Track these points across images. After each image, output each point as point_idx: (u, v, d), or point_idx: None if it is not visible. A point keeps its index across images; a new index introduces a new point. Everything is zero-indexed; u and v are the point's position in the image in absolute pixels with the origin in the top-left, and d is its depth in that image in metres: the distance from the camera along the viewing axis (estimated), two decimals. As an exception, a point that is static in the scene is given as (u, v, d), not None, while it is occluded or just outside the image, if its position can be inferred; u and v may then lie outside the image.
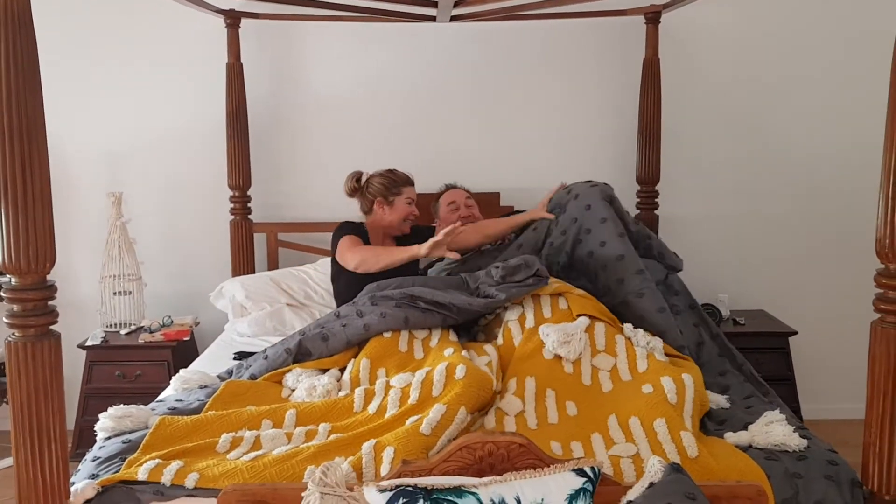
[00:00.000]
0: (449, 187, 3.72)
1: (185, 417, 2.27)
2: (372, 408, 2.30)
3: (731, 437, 2.21)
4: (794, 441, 2.14)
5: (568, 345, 2.51)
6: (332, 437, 2.13)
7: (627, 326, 2.71)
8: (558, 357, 2.51)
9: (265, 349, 2.84)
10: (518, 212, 3.64)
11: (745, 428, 2.25)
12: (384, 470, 1.95)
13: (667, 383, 2.31)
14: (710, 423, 2.37)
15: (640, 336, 2.65)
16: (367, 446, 2.03)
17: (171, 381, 2.75)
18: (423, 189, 4.06)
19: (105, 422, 2.30)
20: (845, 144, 4.03)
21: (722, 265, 4.16)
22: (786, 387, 3.73)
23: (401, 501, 1.65)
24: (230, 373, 2.80)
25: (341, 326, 2.73)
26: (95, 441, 2.31)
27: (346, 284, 3.21)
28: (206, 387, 2.64)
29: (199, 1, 3.51)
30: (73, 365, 3.72)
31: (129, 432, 2.26)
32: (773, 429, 2.18)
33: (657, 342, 2.64)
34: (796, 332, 3.81)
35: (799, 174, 4.09)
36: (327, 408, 2.35)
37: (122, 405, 2.37)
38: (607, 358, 2.54)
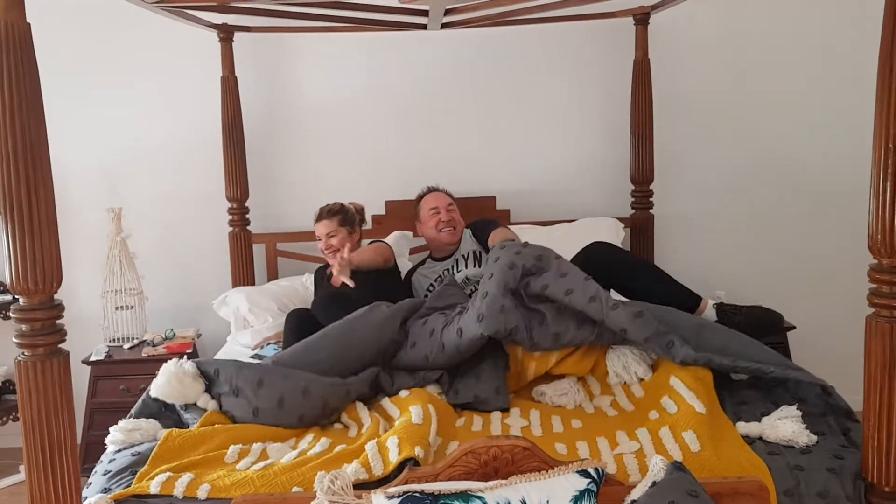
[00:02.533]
0: (431, 189, 3.70)
1: (192, 430, 2.31)
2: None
3: (742, 426, 2.25)
4: (803, 438, 2.17)
5: (566, 396, 2.59)
6: (339, 447, 2.17)
7: (612, 375, 2.69)
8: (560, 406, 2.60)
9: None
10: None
11: (759, 419, 2.29)
12: (393, 456, 2.01)
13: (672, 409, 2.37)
14: (731, 403, 2.40)
15: (633, 374, 2.67)
16: (370, 444, 2.09)
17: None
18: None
19: (115, 435, 2.34)
20: (839, 139, 4.06)
21: (718, 262, 4.19)
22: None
23: (409, 507, 1.67)
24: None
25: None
26: (102, 455, 2.35)
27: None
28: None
29: (191, 16, 3.54)
30: (78, 380, 3.67)
31: (139, 444, 2.30)
32: (783, 424, 2.21)
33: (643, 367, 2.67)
34: (794, 327, 3.84)
35: (793, 169, 4.13)
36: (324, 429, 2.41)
37: (131, 419, 2.39)
38: (606, 398, 2.61)
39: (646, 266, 3.19)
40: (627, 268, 3.14)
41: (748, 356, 2.47)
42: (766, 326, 2.90)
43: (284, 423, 2.41)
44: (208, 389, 2.50)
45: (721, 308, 3.11)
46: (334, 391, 2.49)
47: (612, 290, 2.98)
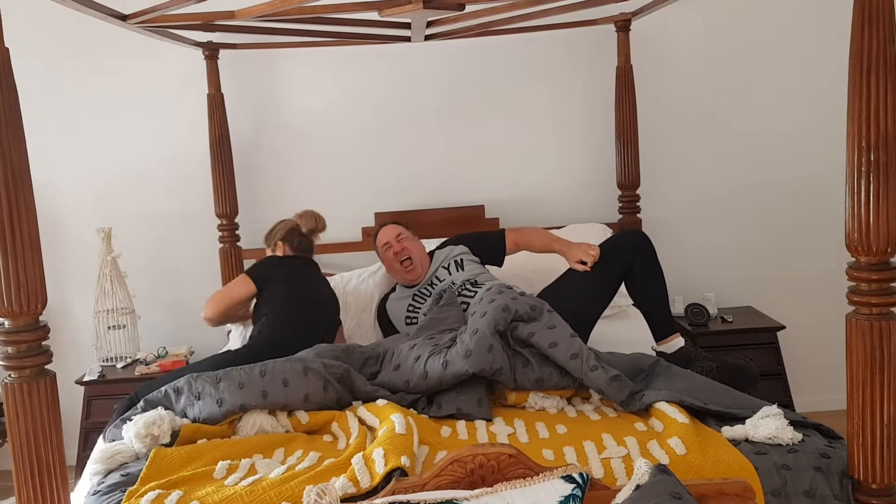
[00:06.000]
0: (382, 226, 3.67)
1: (181, 447, 2.32)
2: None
3: (727, 430, 2.26)
4: (787, 434, 2.17)
5: (549, 400, 2.63)
6: (327, 462, 2.18)
7: (594, 396, 2.70)
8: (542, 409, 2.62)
9: (218, 389, 2.56)
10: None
11: (743, 422, 2.29)
12: (379, 468, 2.01)
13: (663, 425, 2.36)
14: (713, 421, 2.41)
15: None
16: (356, 458, 2.09)
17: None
18: (411, 206, 4.14)
19: (96, 466, 2.32)
20: (822, 141, 4.08)
21: (707, 264, 4.21)
22: (777, 381, 3.78)
23: (396, 518, 1.69)
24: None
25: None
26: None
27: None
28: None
29: (176, 35, 3.56)
30: (72, 401, 3.75)
31: (125, 465, 2.31)
32: (766, 422, 2.22)
33: None
34: (784, 327, 3.86)
35: (777, 171, 4.16)
36: (312, 441, 2.43)
37: (110, 442, 2.40)
38: (588, 405, 2.65)
39: (659, 281, 3.30)
40: (647, 269, 3.28)
41: (719, 402, 2.46)
42: (741, 380, 2.94)
43: (247, 400, 2.50)
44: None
45: (687, 349, 3.22)
46: (292, 367, 2.60)
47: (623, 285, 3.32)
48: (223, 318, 3.45)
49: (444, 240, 3.72)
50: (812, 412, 3.94)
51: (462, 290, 3.35)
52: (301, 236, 3.56)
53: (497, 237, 3.62)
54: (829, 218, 4.03)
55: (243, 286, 3.38)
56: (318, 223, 3.61)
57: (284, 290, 3.34)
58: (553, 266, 3.42)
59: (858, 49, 1.90)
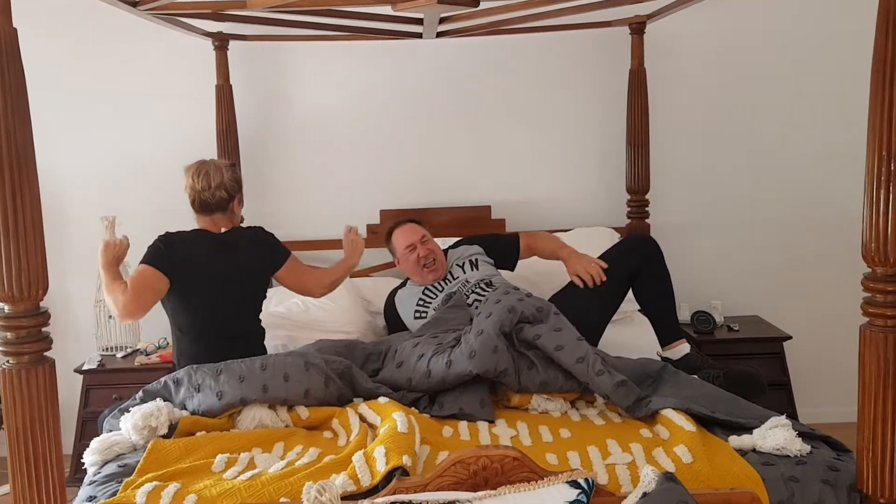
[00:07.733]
0: (399, 223, 3.59)
1: (179, 439, 2.29)
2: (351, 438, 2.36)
3: (734, 440, 2.23)
4: (796, 446, 2.15)
5: (552, 402, 2.61)
6: (327, 458, 2.15)
7: (599, 400, 2.68)
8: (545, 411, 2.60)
9: (217, 383, 2.54)
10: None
11: (750, 432, 2.26)
12: (380, 466, 1.99)
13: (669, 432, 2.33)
14: (720, 430, 2.38)
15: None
16: (357, 456, 2.07)
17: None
18: (416, 204, 4.10)
19: (93, 457, 2.30)
20: (834, 148, 4.05)
21: (714, 272, 4.17)
22: (782, 392, 3.75)
23: (396, 518, 1.66)
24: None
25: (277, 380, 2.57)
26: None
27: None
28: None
29: (186, 25, 3.53)
30: (70, 389, 3.72)
31: (122, 456, 2.28)
32: (774, 433, 2.20)
33: None
34: (791, 337, 3.83)
35: (789, 178, 4.12)
36: (312, 437, 2.40)
37: (104, 434, 2.37)
38: (592, 409, 2.62)
39: (666, 286, 3.29)
40: (654, 275, 3.26)
41: (726, 411, 2.43)
42: (749, 389, 2.92)
43: (247, 393, 2.48)
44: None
45: (693, 356, 3.23)
46: (293, 361, 2.59)
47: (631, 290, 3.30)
48: (146, 310, 3.00)
49: (457, 239, 3.69)
50: (816, 423, 3.91)
51: (476, 288, 3.33)
52: (197, 200, 3.17)
53: (512, 241, 3.59)
54: (838, 228, 4.02)
55: (157, 279, 3.02)
56: (211, 178, 3.10)
57: (192, 304, 3.07)
58: (562, 271, 3.38)
59: (881, 56, 1.86)
